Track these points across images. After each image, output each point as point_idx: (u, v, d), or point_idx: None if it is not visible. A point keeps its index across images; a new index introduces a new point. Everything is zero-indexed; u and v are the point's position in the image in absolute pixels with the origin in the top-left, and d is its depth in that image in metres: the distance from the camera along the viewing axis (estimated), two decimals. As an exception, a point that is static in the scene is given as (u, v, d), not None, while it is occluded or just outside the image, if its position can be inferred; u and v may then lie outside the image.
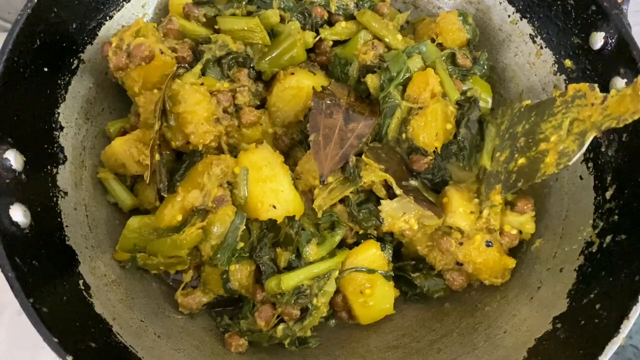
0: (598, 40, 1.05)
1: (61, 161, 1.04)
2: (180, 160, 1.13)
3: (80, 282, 0.96)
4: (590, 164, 1.05)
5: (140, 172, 1.10)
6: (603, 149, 1.02)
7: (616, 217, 0.97)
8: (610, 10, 1.02)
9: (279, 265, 1.07)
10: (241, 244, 1.03)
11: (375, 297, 1.08)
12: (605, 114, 0.85)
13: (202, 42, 1.18)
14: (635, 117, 0.80)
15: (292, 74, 1.17)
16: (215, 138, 1.08)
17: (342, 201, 1.11)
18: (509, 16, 1.26)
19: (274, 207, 1.02)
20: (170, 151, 1.13)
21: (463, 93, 1.15)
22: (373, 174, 1.05)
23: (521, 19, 1.24)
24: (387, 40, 1.22)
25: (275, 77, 1.19)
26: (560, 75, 1.16)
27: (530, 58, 1.23)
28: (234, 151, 1.13)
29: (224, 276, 1.06)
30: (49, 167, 1.01)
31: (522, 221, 1.08)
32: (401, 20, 1.31)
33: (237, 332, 1.08)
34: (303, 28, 1.24)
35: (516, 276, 1.09)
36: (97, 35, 1.14)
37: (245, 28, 1.18)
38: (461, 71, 1.21)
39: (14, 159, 0.89)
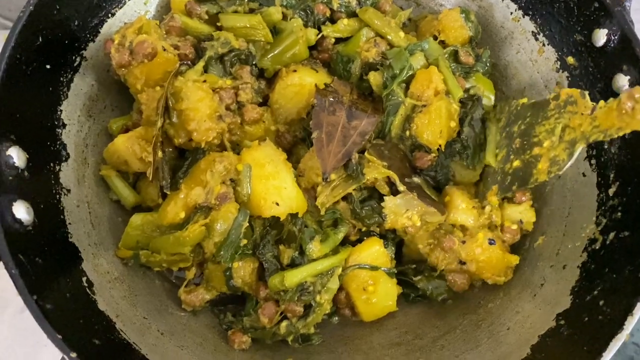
0: (601, 37, 1.05)
1: (64, 158, 1.04)
2: (183, 158, 1.13)
3: (84, 279, 0.96)
4: (593, 161, 1.05)
5: (142, 170, 1.10)
6: (606, 146, 1.02)
7: (619, 214, 0.97)
8: (613, 7, 1.02)
9: (282, 262, 1.07)
10: (244, 241, 1.03)
11: (378, 294, 1.08)
12: (593, 124, 0.87)
13: (204, 39, 1.18)
14: (620, 134, 0.82)
15: (295, 71, 1.17)
16: (217, 135, 1.08)
17: (345, 198, 1.11)
18: (511, 13, 1.26)
19: (277, 204, 1.02)
20: (173, 148, 1.12)
21: (466, 91, 1.16)
22: (376, 171, 1.05)
23: (523, 16, 1.24)
24: (389, 37, 1.21)
25: (278, 75, 1.19)
26: (562, 72, 1.16)
27: (532, 55, 1.23)
28: (237, 148, 1.12)
29: (227, 273, 1.06)
30: (51, 164, 1.01)
31: (521, 211, 1.09)
32: (403, 18, 1.31)
33: (240, 329, 1.08)
34: (305, 25, 1.24)
35: (519, 273, 1.09)
36: (99, 32, 1.14)
37: (248, 25, 1.18)
38: (464, 68, 1.21)
39: (17, 156, 0.89)
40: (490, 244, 1.06)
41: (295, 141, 1.21)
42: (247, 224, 1.03)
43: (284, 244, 1.08)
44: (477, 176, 1.14)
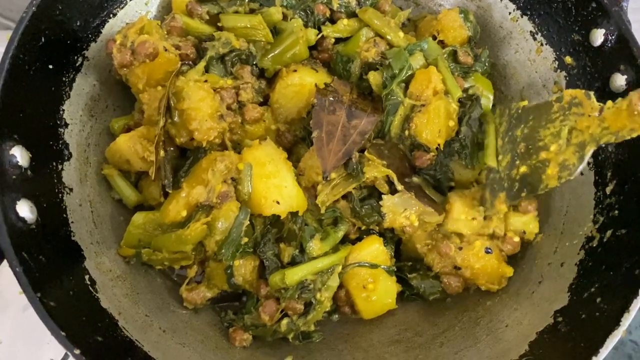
0: (598, 37, 1.06)
1: (66, 158, 1.05)
2: (184, 157, 1.13)
3: (86, 277, 0.96)
4: (591, 160, 1.05)
5: (144, 169, 1.11)
6: (603, 145, 1.03)
7: (616, 212, 0.98)
8: (611, 7, 1.03)
9: (282, 260, 1.08)
10: (245, 240, 1.04)
11: (378, 292, 1.08)
12: (603, 126, 0.84)
13: (205, 39, 1.18)
14: (634, 135, 0.79)
15: (295, 71, 1.18)
16: (219, 134, 1.09)
17: (345, 197, 1.11)
18: (509, 13, 1.27)
19: (278, 202, 1.03)
20: (174, 147, 1.13)
21: (465, 90, 1.16)
22: (375, 170, 1.06)
23: (522, 16, 1.24)
24: (388, 37, 1.22)
25: (278, 74, 1.20)
26: (560, 71, 1.17)
27: (530, 55, 1.24)
28: (238, 147, 1.13)
29: (228, 271, 1.07)
30: (54, 163, 1.01)
31: (525, 221, 1.07)
32: (402, 18, 1.32)
33: (241, 326, 1.08)
34: (305, 25, 1.25)
35: (517, 271, 1.10)
36: (101, 32, 1.14)
37: (248, 25, 1.18)
38: (463, 68, 1.21)
39: (20, 155, 0.89)
40: (487, 252, 1.07)
41: (295, 140, 1.22)
42: (248, 223, 1.04)
43: (285, 242, 1.09)
44: (476, 175, 1.14)
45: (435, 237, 1.11)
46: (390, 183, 1.09)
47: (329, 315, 1.14)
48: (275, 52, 1.19)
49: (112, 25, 1.17)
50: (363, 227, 1.13)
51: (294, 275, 1.03)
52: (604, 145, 1.01)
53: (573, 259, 1.01)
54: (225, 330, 1.10)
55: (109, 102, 1.19)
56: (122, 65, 1.09)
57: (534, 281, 1.06)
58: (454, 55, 1.22)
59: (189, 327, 1.07)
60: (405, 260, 1.17)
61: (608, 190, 1.01)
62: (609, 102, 0.82)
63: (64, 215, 0.99)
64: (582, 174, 1.07)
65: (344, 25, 1.27)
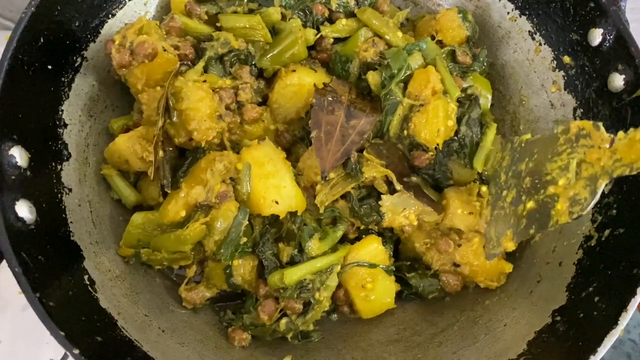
0: (596, 36, 1.06)
1: (65, 158, 1.05)
2: (183, 157, 1.13)
3: (85, 277, 0.96)
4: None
5: (143, 169, 1.11)
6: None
7: (614, 211, 0.98)
8: (609, 7, 1.03)
9: (281, 260, 1.08)
10: (244, 239, 1.04)
11: (377, 292, 1.09)
12: (615, 158, 0.78)
13: (204, 39, 1.19)
14: None
15: (294, 71, 1.18)
16: (217, 134, 1.09)
17: (343, 197, 1.11)
18: (508, 13, 1.27)
19: (277, 202, 1.03)
20: (173, 148, 1.13)
21: (463, 90, 1.17)
22: (374, 170, 1.06)
23: (520, 16, 1.25)
24: (387, 37, 1.22)
25: (277, 75, 1.20)
26: (559, 71, 1.17)
27: (529, 54, 1.24)
28: (237, 148, 1.13)
29: (227, 271, 1.07)
30: (53, 163, 1.01)
31: None
32: (401, 18, 1.32)
33: (241, 326, 1.08)
34: (304, 25, 1.25)
35: (516, 270, 1.10)
36: (99, 33, 1.14)
37: (247, 25, 1.19)
38: (461, 68, 1.22)
39: (19, 155, 0.89)
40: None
41: (294, 140, 1.22)
42: (247, 222, 1.04)
43: (284, 242, 1.09)
44: (475, 174, 1.14)
45: (434, 236, 1.11)
46: (389, 183, 1.09)
47: (327, 315, 1.14)
48: (274, 52, 1.20)
49: (111, 26, 1.17)
50: (362, 227, 1.13)
51: (292, 275, 1.03)
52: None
53: (571, 259, 1.02)
54: (225, 329, 1.10)
55: (108, 103, 1.19)
56: (121, 66, 1.09)
57: (532, 280, 1.06)
58: (452, 55, 1.22)
59: (188, 326, 1.07)
60: (404, 260, 1.18)
61: (606, 189, 1.01)
62: (620, 133, 0.77)
63: (63, 216, 0.99)
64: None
65: (343, 25, 1.27)
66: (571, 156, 0.86)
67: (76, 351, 0.80)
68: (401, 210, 1.08)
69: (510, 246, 0.98)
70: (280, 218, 1.06)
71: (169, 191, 1.07)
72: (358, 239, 1.12)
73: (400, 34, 1.23)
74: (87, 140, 1.12)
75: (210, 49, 1.16)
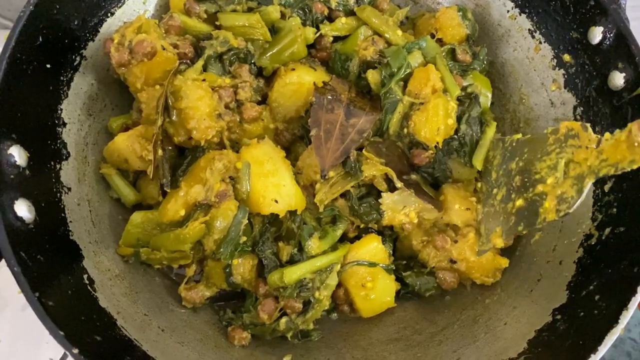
0: (596, 35, 1.06)
1: (64, 157, 1.05)
2: (182, 156, 1.13)
3: (85, 276, 0.96)
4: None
5: (143, 168, 1.11)
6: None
7: (615, 209, 0.98)
8: (609, 5, 1.03)
9: (281, 259, 1.08)
10: (244, 238, 1.04)
11: (377, 290, 1.09)
12: (601, 158, 0.82)
13: (203, 38, 1.18)
14: (634, 166, 0.77)
15: (293, 69, 1.18)
16: (217, 133, 1.09)
17: (343, 195, 1.11)
18: (508, 11, 1.27)
19: (276, 201, 1.03)
20: (172, 146, 1.13)
21: (463, 89, 1.16)
22: (374, 168, 1.06)
23: (520, 14, 1.24)
24: (387, 36, 1.22)
25: (276, 73, 1.20)
26: (559, 70, 1.17)
27: (529, 53, 1.24)
28: (236, 146, 1.13)
29: (227, 270, 1.07)
30: (52, 162, 1.01)
31: None
32: (401, 16, 1.32)
33: (240, 325, 1.08)
34: (303, 24, 1.25)
35: (516, 269, 1.10)
36: (98, 31, 1.14)
37: (246, 24, 1.18)
38: (461, 66, 1.21)
39: (18, 154, 0.89)
40: None
41: (294, 139, 1.22)
42: (247, 221, 1.03)
43: (283, 241, 1.09)
44: (475, 173, 1.14)
45: (431, 233, 1.11)
46: (388, 181, 1.09)
47: (327, 314, 1.14)
48: (274, 51, 1.19)
49: (110, 25, 1.17)
50: (362, 226, 1.13)
51: (292, 274, 1.03)
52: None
53: (572, 257, 1.02)
54: (224, 329, 1.10)
55: (107, 101, 1.19)
56: (120, 65, 1.09)
57: (532, 279, 1.06)
58: (452, 54, 1.22)
59: (187, 326, 1.07)
60: (399, 259, 1.18)
61: (606, 188, 1.01)
62: (607, 134, 0.81)
63: (62, 215, 0.99)
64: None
65: (342, 23, 1.27)
66: (560, 156, 0.90)
67: (75, 351, 0.80)
68: (401, 208, 1.08)
69: (499, 242, 1.02)
70: (280, 217, 1.06)
71: (168, 190, 1.06)
72: (358, 237, 1.12)
73: (400, 32, 1.23)
74: (86, 139, 1.12)
75: (210, 48, 1.15)
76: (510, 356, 0.95)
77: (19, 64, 0.94)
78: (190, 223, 1.01)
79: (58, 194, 1.00)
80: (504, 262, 1.09)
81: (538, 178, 0.94)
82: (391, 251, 1.14)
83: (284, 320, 1.06)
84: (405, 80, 1.14)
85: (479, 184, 1.12)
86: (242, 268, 1.07)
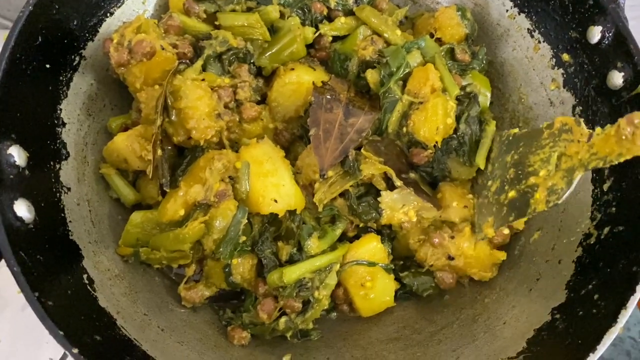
0: (595, 34, 1.06)
1: (64, 157, 1.05)
2: (182, 156, 1.13)
3: (84, 276, 0.96)
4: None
5: (142, 168, 1.11)
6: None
7: (614, 209, 0.98)
8: (607, 5, 1.03)
9: (280, 258, 1.08)
10: (243, 238, 1.04)
11: (376, 290, 1.09)
12: (591, 152, 0.85)
13: (202, 38, 1.18)
14: (621, 159, 0.79)
15: (292, 69, 1.18)
16: (216, 133, 1.09)
17: (342, 195, 1.11)
18: (507, 11, 1.27)
19: (276, 201, 1.03)
20: (172, 146, 1.13)
21: (462, 88, 1.17)
22: (373, 167, 1.06)
23: (519, 14, 1.24)
24: (386, 35, 1.22)
25: (276, 73, 1.20)
26: (558, 69, 1.17)
27: (528, 52, 1.24)
28: (235, 146, 1.14)
29: (226, 270, 1.07)
30: (52, 162, 1.01)
31: None
32: (400, 16, 1.32)
33: (240, 325, 1.08)
34: (303, 24, 1.25)
35: (515, 268, 1.11)
36: (98, 31, 1.14)
37: (246, 24, 1.18)
38: (460, 66, 1.21)
39: (18, 154, 0.89)
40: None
41: (293, 139, 1.22)
42: (246, 221, 1.03)
43: (283, 241, 1.09)
44: (474, 172, 1.14)
45: (428, 231, 1.12)
46: (387, 180, 1.09)
47: (327, 314, 1.14)
48: (273, 51, 1.19)
49: (110, 24, 1.17)
50: (361, 225, 1.13)
51: (292, 274, 1.03)
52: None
53: (570, 256, 1.02)
54: (224, 328, 1.10)
55: (107, 101, 1.19)
56: (120, 64, 1.09)
57: (531, 278, 1.06)
58: (451, 53, 1.22)
59: (187, 325, 1.07)
60: (396, 260, 1.18)
61: (605, 187, 1.01)
62: (598, 129, 0.83)
63: (62, 215, 0.99)
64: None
65: (342, 23, 1.27)
66: (553, 149, 0.93)
67: (75, 350, 0.80)
68: (400, 206, 1.08)
69: (490, 232, 1.04)
70: (279, 216, 1.07)
71: (167, 190, 1.06)
72: (357, 237, 1.12)
73: (399, 32, 1.23)
74: (85, 139, 1.12)
75: (209, 48, 1.15)
76: (509, 355, 0.95)
77: (19, 64, 0.94)
78: (190, 223, 1.01)
79: (58, 194, 1.00)
80: (502, 255, 1.09)
81: (531, 170, 0.97)
82: (390, 251, 1.14)
83: (283, 319, 1.06)
84: (405, 80, 1.14)
85: (478, 179, 1.12)
86: (242, 268, 1.07)
